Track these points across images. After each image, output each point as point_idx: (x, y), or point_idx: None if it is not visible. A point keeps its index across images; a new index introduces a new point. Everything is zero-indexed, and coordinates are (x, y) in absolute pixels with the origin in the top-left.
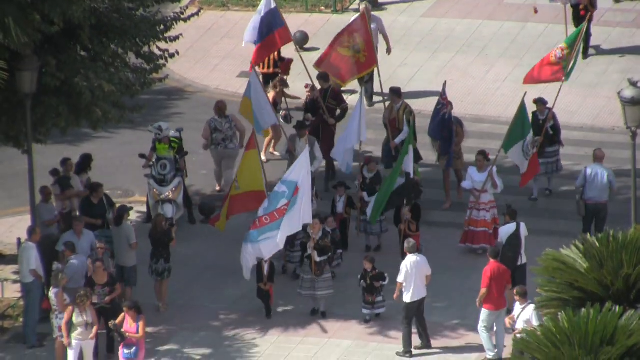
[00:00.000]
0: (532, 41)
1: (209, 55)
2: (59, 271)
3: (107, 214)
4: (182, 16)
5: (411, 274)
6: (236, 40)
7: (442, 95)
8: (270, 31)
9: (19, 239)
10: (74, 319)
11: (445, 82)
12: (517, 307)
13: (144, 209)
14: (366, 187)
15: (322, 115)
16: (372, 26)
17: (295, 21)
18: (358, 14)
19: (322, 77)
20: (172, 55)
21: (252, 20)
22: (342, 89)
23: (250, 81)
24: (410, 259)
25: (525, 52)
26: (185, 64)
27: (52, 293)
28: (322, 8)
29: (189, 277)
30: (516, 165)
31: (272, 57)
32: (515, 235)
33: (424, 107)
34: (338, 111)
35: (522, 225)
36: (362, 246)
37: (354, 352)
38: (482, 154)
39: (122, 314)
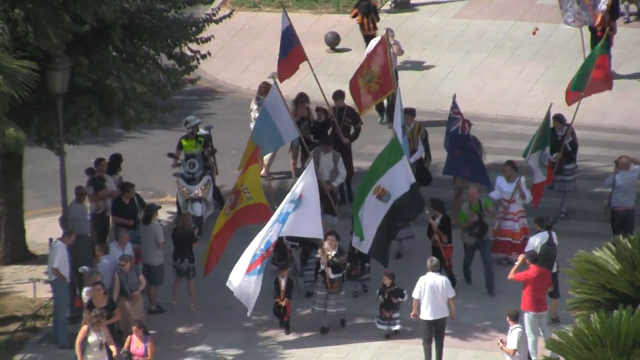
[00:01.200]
0: (564, 42)
1: (240, 56)
2: (91, 272)
3: (137, 214)
4: (214, 18)
5: (424, 292)
6: (267, 40)
7: (453, 108)
8: (291, 47)
9: (50, 239)
10: (88, 339)
11: (455, 95)
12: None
13: (174, 209)
14: None
15: (336, 134)
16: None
17: (326, 22)
18: (379, 40)
19: (338, 95)
20: (203, 57)
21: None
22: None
23: (264, 107)
24: (428, 277)
25: (557, 53)
26: (217, 64)
27: (84, 292)
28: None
29: (221, 278)
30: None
31: None
32: (549, 243)
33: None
34: (352, 130)
35: (553, 234)
36: (392, 252)
37: (386, 352)
38: (510, 164)
39: (129, 337)
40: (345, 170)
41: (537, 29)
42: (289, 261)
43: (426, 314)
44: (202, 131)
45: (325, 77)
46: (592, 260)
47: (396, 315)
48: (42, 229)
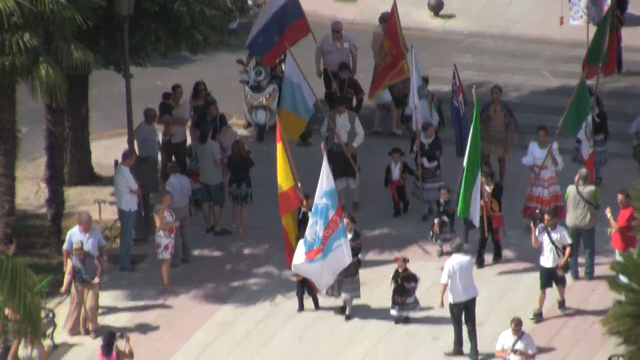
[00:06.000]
0: None
1: None
2: (160, 192)
3: (217, 133)
4: None
5: (454, 274)
6: None
7: (453, 79)
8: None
9: (115, 161)
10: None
11: (455, 65)
12: (509, 337)
13: (241, 131)
14: (425, 153)
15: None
16: (345, 45)
17: None
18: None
19: (342, 67)
20: None
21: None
22: None
23: (286, 71)
24: (455, 259)
25: None
26: None
27: (154, 212)
28: None
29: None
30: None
31: None
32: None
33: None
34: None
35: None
36: (424, 212)
37: (397, 337)
38: (544, 129)
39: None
40: (362, 130)
41: (562, 18)
42: None
43: (458, 296)
44: None
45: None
46: None
47: (410, 300)
48: (108, 151)
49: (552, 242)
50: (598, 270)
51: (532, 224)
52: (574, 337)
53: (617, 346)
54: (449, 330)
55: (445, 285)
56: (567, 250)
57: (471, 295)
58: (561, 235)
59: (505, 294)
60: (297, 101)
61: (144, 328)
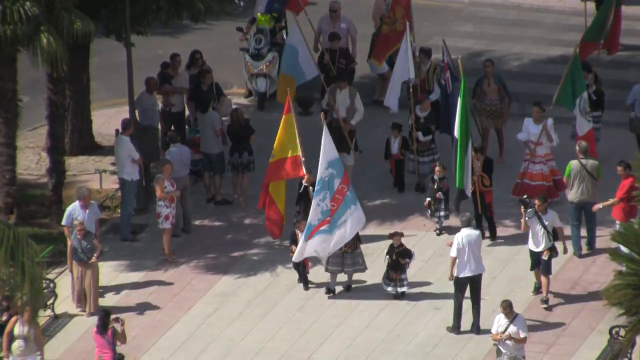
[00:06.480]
0: None
1: None
2: (161, 161)
3: (213, 102)
4: None
5: (464, 248)
6: None
7: (442, 55)
8: None
9: (117, 130)
10: (14, 330)
11: (444, 41)
12: (502, 321)
13: (241, 100)
14: (420, 127)
15: (331, 77)
16: (342, 25)
17: None
18: None
19: (334, 37)
20: None
21: None
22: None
23: (289, 37)
24: (464, 233)
25: None
26: None
27: (155, 180)
28: None
29: None
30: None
31: None
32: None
33: None
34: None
35: None
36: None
37: (392, 312)
38: (538, 105)
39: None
40: (362, 106)
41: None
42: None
43: (466, 271)
44: (277, 6)
45: None
46: None
47: (404, 276)
48: (109, 121)
49: (544, 227)
50: (599, 243)
51: (522, 209)
52: (574, 309)
53: (617, 317)
54: (450, 301)
55: (454, 259)
56: (561, 235)
57: (478, 271)
58: (552, 220)
59: (506, 263)
60: (296, 66)
61: (144, 299)
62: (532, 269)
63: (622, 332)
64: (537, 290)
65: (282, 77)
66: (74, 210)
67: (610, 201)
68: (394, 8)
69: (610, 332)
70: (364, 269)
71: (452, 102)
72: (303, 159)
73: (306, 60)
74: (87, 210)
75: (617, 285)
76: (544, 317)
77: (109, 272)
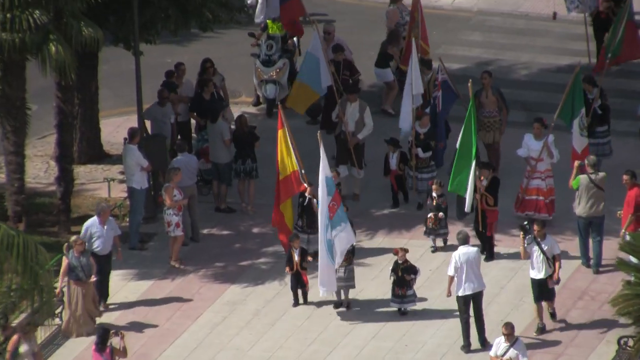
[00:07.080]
0: None
1: None
2: (170, 169)
3: (223, 111)
4: None
5: (461, 267)
6: None
7: (437, 73)
8: None
9: (125, 139)
10: (20, 348)
11: (441, 59)
12: (502, 344)
13: (250, 109)
14: (420, 143)
15: (337, 89)
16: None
17: None
18: None
19: (337, 49)
20: None
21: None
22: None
23: (310, 46)
24: (461, 251)
25: None
26: None
27: (163, 189)
28: None
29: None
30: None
31: None
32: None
33: None
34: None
35: None
36: (419, 200)
37: (396, 329)
38: (540, 121)
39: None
40: (372, 121)
41: (555, 16)
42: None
43: (465, 289)
44: None
45: None
46: None
47: (410, 292)
48: (117, 129)
49: (543, 253)
50: (607, 253)
51: (521, 235)
52: (582, 318)
53: (626, 327)
54: (456, 311)
55: (452, 278)
56: (557, 263)
57: (479, 288)
58: (551, 246)
59: (515, 272)
60: (314, 75)
61: (152, 307)
62: (535, 301)
63: (631, 342)
64: (541, 330)
65: (296, 85)
66: (92, 225)
67: (628, 220)
68: (414, 15)
69: (618, 342)
70: (353, 285)
71: (440, 117)
72: (302, 171)
73: (324, 69)
74: (106, 227)
75: (625, 295)
76: (552, 327)
77: (117, 280)
